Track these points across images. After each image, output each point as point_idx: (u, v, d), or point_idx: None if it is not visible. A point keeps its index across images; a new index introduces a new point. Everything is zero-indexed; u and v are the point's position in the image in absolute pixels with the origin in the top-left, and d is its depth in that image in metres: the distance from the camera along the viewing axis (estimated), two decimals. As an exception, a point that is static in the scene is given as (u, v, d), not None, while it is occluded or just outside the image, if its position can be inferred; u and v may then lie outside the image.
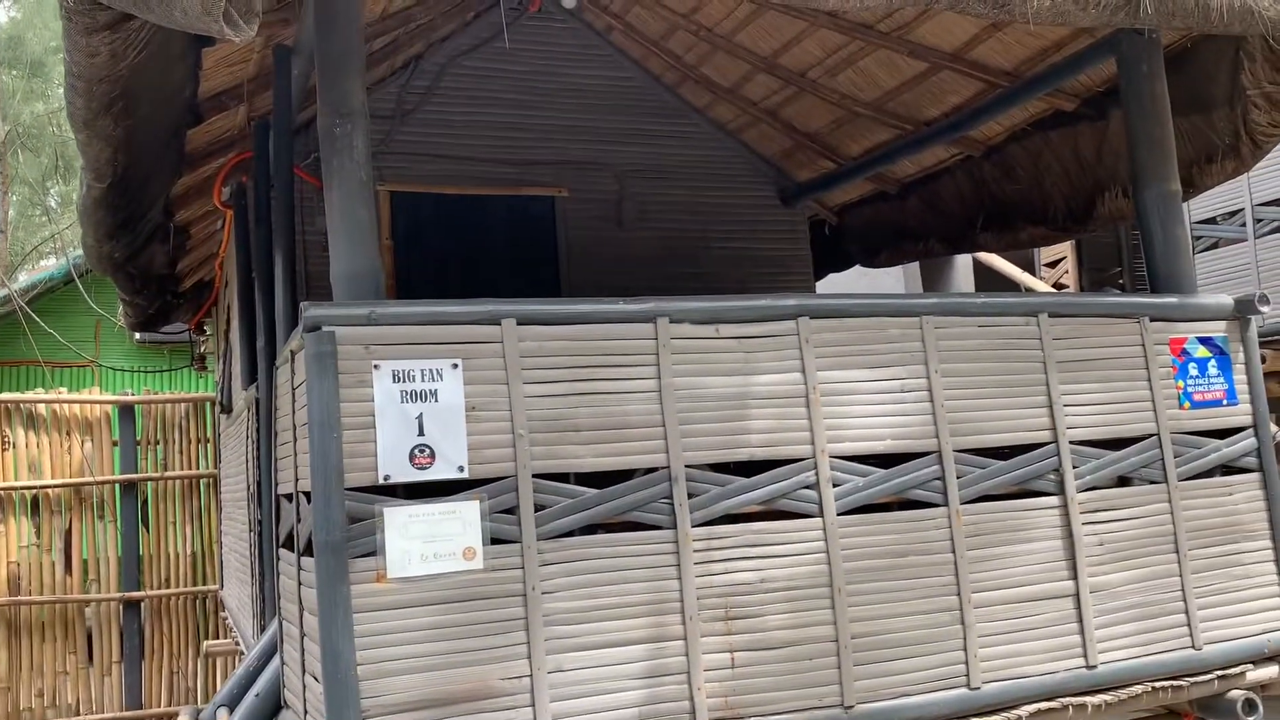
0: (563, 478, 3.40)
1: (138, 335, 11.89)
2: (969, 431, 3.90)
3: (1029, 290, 10.77)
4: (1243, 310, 4.42)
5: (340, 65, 3.56)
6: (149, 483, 9.31)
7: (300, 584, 3.51)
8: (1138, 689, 3.94)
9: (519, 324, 3.38)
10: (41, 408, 9.08)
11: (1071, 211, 6.01)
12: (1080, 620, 3.91)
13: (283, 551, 3.99)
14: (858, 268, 8.18)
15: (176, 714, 5.00)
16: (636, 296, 3.62)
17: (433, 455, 3.21)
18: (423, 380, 3.24)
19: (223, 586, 8.39)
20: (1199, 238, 9.90)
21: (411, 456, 3.19)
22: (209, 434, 9.46)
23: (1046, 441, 4.01)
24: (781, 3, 4.29)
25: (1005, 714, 3.72)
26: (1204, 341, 4.34)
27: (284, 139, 4.79)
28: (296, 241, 4.85)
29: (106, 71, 3.74)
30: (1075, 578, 3.94)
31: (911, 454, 3.81)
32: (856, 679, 3.57)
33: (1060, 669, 3.85)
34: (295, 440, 3.56)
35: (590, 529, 3.42)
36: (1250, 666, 4.15)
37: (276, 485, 4.14)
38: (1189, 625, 4.09)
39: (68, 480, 9.03)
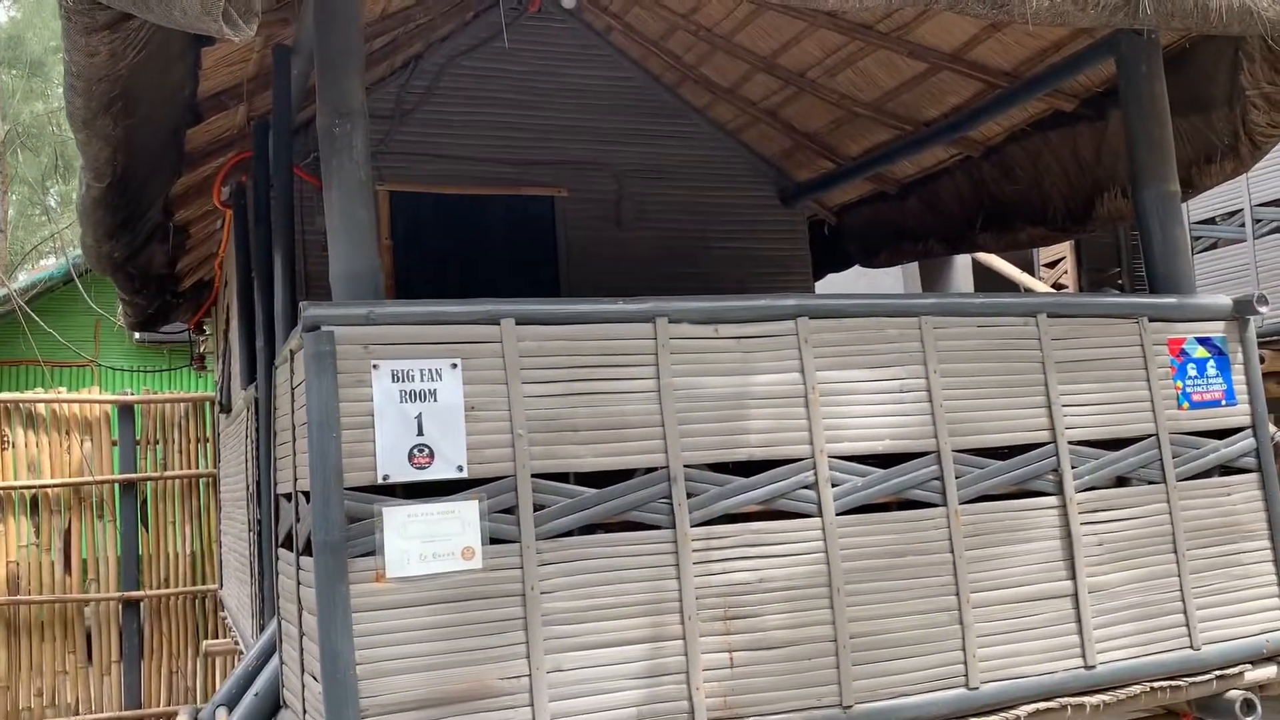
0: (562, 477, 3.40)
1: (137, 335, 11.89)
2: (968, 431, 3.90)
3: (1028, 290, 10.78)
4: (1241, 311, 4.42)
5: (339, 65, 3.56)
6: (148, 482, 9.32)
7: (299, 583, 3.51)
8: (1136, 689, 3.95)
9: (518, 324, 3.38)
10: (41, 407, 9.08)
11: (1070, 212, 6.01)
12: (1079, 620, 3.92)
13: (282, 551, 3.99)
14: (857, 268, 8.18)
15: (175, 713, 5.00)
16: (635, 296, 3.62)
17: (432, 455, 3.22)
18: (422, 380, 3.24)
19: (222, 586, 8.39)
20: (1198, 238, 9.90)
21: (410, 456, 3.19)
22: (208, 434, 9.47)
23: (1045, 442, 4.01)
24: (781, 3, 4.30)
25: (1003, 714, 3.72)
26: (1203, 342, 4.35)
27: (283, 139, 4.79)
28: (296, 241, 4.85)
29: (106, 71, 3.74)
30: (1074, 578, 3.94)
31: (910, 454, 3.82)
32: (855, 679, 3.57)
33: (1059, 669, 3.86)
34: (294, 440, 3.56)
35: (589, 529, 3.43)
36: (1249, 667, 4.16)
37: (275, 485, 4.14)
38: (1187, 625, 4.09)
39: (67, 480, 9.04)
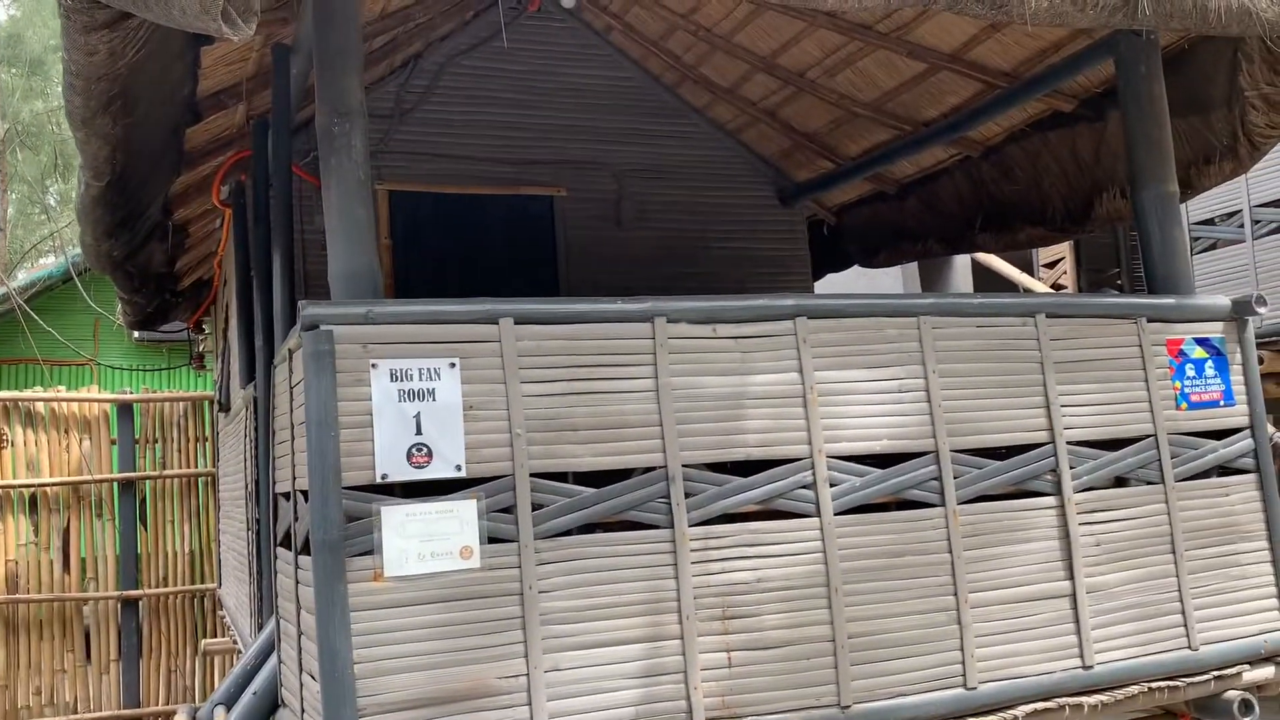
0: (560, 477, 3.40)
1: (136, 334, 11.89)
2: (966, 432, 3.90)
3: (1027, 291, 10.78)
4: (1240, 311, 4.43)
5: (339, 64, 3.56)
6: (147, 481, 9.32)
7: (298, 582, 3.51)
8: (1134, 689, 3.95)
9: (516, 323, 3.38)
10: (40, 406, 9.08)
11: (1070, 212, 6.02)
12: (1077, 620, 3.92)
13: (280, 550, 3.99)
14: (856, 268, 8.19)
15: (174, 712, 5.00)
16: (634, 296, 3.62)
17: (430, 454, 3.22)
18: (420, 379, 3.24)
19: (220, 585, 8.39)
20: (1197, 239, 9.91)
21: (409, 455, 3.19)
22: (207, 433, 9.47)
23: (1044, 442, 4.01)
24: (780, 3, 4.30)
25: (1002, 714, 3.72)
26: (1201, 342, 4.35)
27: (283, 138, 4.79)
28: (295, 240, 4.85)
29: (105, 70, 3.74)
30: (1072, 578, 3.94)
31: (909, 454, 3.82)
32: (853, 679, 3.57)
33: (1057, 669, 3.86)
34: (293, 439, 3.56)
35: (587, 528, 3.43)
36: (1246, 667, 4.16)
37: (274, 484, 4.14)
38: (1185, 626, 4.09)
39: (66, 479, 9.04)
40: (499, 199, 6.46)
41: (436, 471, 3.22)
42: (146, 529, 9.30)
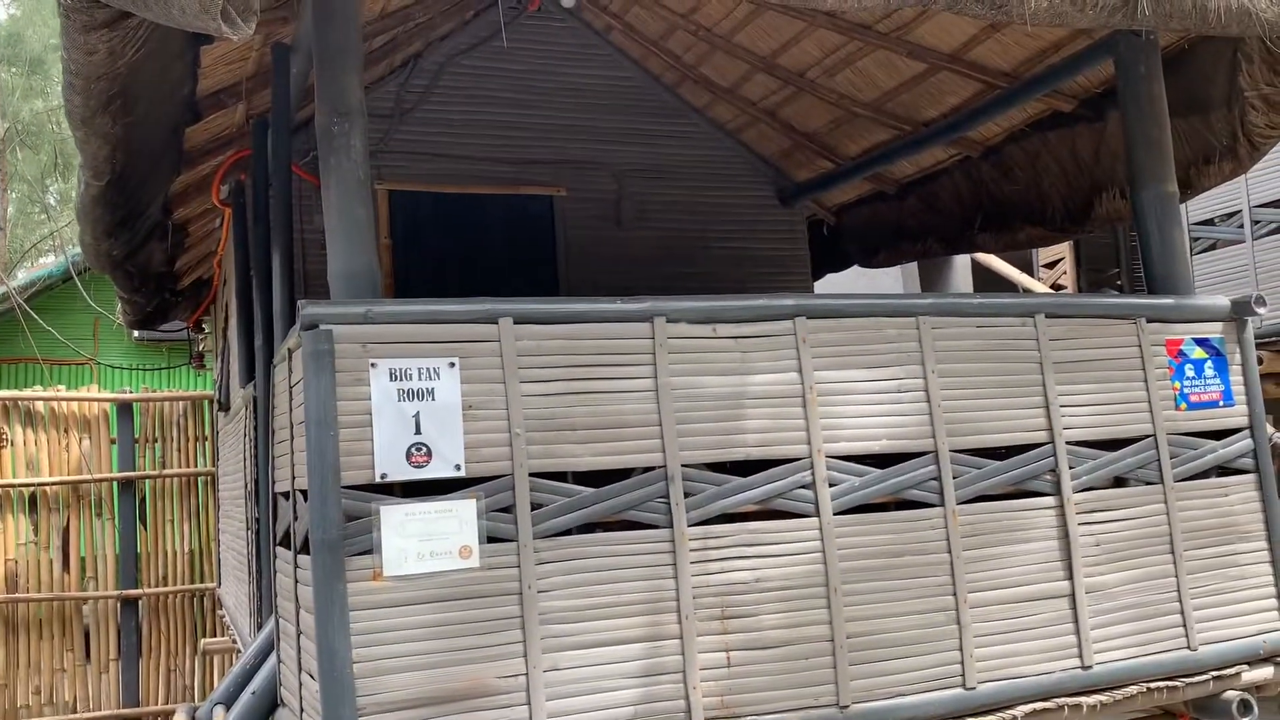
0: (559, 476, 3.40)
1: (136, 333, 11.89)
2: (965, 432, 3.90)
3: (1026, 291, 10.78)
4: (1239, 312, 4.43)
5: (338, 63, 3.56)
6: (147, 480, 9.32)
7: (297, 582, 3.51)
8: (1133, 689, 3.95)
9: (516, 323, 3.39)
10: (40, 405, 9.08)
11: (1069, 212, 6.02)
12: (1076, 620, 3.92)
13: (279, 549, 3.99)
14: (856, 268, 8.18)
15: (173, 712, 5.00)
16: (634, 296, 3.62)
17: (429, 454, 3.22)
18: (420, 379, 3.24)
19: (220, 584, 8.39)
20: (1197, 239, 9.91)
21: (408, 455, 3.20)
22: (207, 432, 9.46)
23: (1043, 442, 4.01)
24: (780, 3, 4.30)
25: (1000, 714, 3.73)
26: (1200, 343, 4.35)
27: (282, 137, 4.78)
28: (295, 240, 4.85)
29: (104, 69, 3.74)
30: (1071, 578, 3.94)
31: (908, 454, 3.82)
32: (852, 678, 3.57)
33: (1056, 669, 3.86)
34: (292, 438, 3.56)
35: (587, 528, 3.43)
36: (1245, 667, 4.16)
37: (274, 483, 4.14)
38: (1184, 626, 4.09)
39: (66, 478, 9.04)
40: (499, 199, 6.46)
41: (436, 471, 3.23)
42: (146, 528, 9.30)
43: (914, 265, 10.91)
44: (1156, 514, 4.15)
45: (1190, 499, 4.21)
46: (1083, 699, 3.85)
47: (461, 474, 3.25)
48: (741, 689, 3.45)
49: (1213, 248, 9.92)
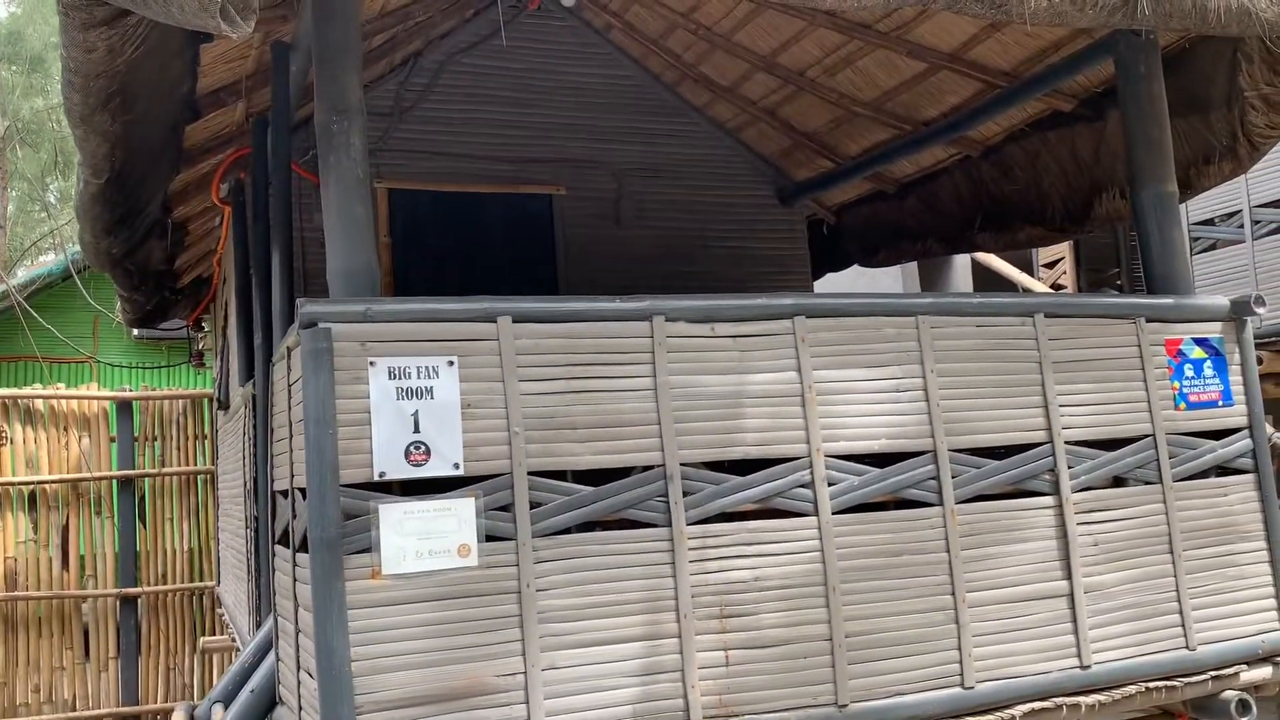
0: (558, 475, 3.40)
1: (136, 331, 11.89)
2: (964, 431, 3.90)
3: (1026, 290, 10.78)
4: (1239, 311, 4.43)
5: (338, 62, 3.56)
6: (146, 479, 9.32)
7: (295, 580, 3.51)
8: (1131, 689, 3.95)
9: (515, 322, 3.38)
10: (39, 403, 9.08)
11: (1069, 212, 6.02)
12: (1074, 620, 3.92)
13: (278, 548, 3.99)
14: (856, 267, 8.18)
15: (172, 710, 5.00)
16: (633, 295, 3.62)
17: (428, 452, 3.22)
18: (418, 377, 3.24)
19: (219, 583, 8.39)
20: (1197, 239, 9.90)
21: (407, 453, 3.19)
22: (206, 430, 9.47)
23: (1042, 441, 4.01)
24: (780, 2, 4.30)
25: (999, 713, 3.73)
26: (1200, 343, 4.35)
27: (282, 135, 4.78)
28: (294, 238, 4.85)
29: (104, 67, 3.74)
30: (1070, 578, 3.94)
31: (907, 453, 3.82)
32: (851, 678, 3.57)
33: (1054, 669, 3.86)
34: (291, 437, 3.56)
35: (585, 526, 3.43)
36: (1244, 667, 4.16)
37: (272, 481, 4.14)
38: (1183, 626, 4.09)
39: (65, 476, 9.04)
40: (498, 197, 6.46)
41: (434, 469, 3.22)
42: (145, 526, 9.30)
43: (914, 265, 10.91)
44: (1155, 514, 4.15)
45: (1189, 499, 4.21)
46: (1081, 699, 3.85)
47: (460, 473, 3.25)
48: (740, 688, 3.45)
49: (1213, 248, 9.91)
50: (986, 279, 11.37)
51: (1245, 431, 4.37)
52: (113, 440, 9.27)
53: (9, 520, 8.83)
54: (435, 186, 6.30)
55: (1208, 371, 4.34)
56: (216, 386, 8.07)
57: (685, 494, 3.48)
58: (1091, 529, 4.03)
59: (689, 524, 3.48)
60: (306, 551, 3.18)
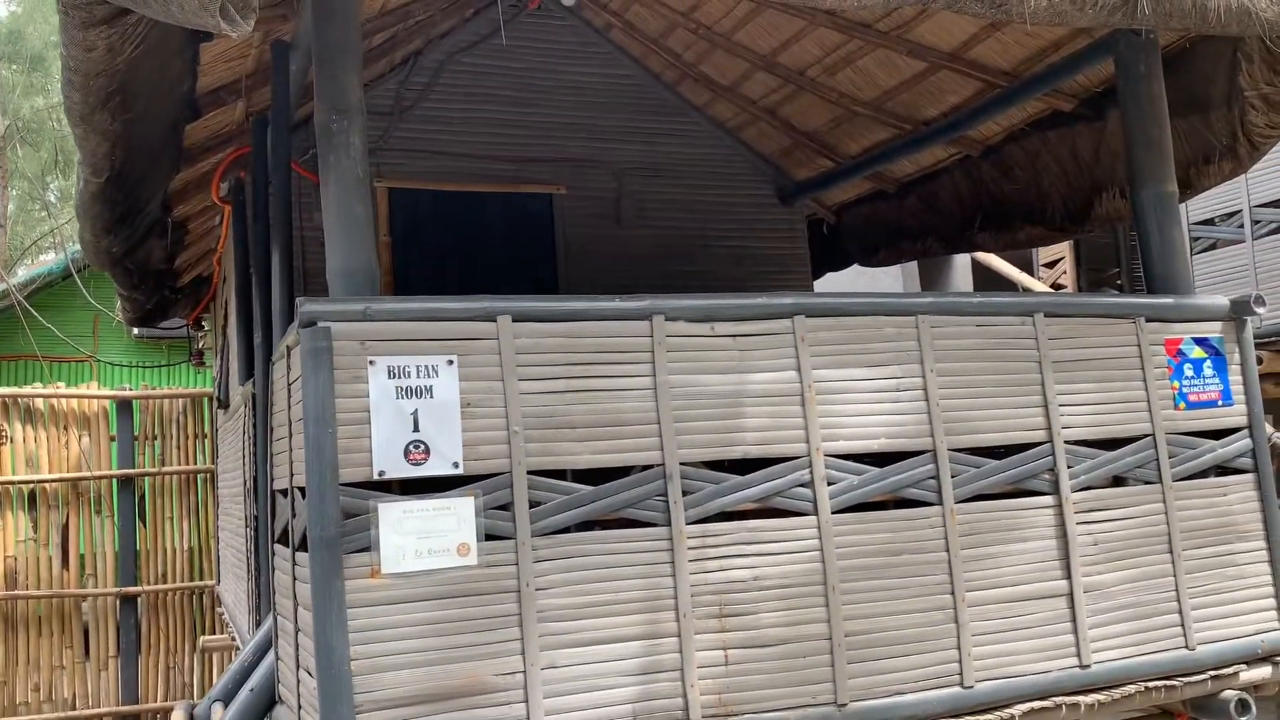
0: (558, 474, 3.40)
1: (136, 330, 11.89)
2: (964, 431, 3.90)
3: (1026, 290, 10.78)
4: (1239, 311, 4.42)
5: (338, 61, 3.56)
6: (146, 478, 9.32)
7: (295, 579, 3.51)
8: (1131, 689, 3.95)
9: (514, 321, 3.38)
10: (39, 402, 9.08)
11: (1069, 211, 6.02)
12: (1074, 620, 3.92)
13: (278, 547, 3.99)
14: (856, 267, 8.18)
15: (172, 709, 5.00)
16: (633, 294, 3.62)
17: (427, 451, 3.22)
18: (418, 376, 3.24)
19: (219, 582, 8.40)
20: (1197, 239, 9.90)
21: (406, 452, 3.19)
22: (206, 429, 9.47)
23: (1041, 441, 4.01)
24: (780, 1, 4.30)
25: (998, 713, 3.73)
26: (1199, 342, 4.35)
27: (282, 134, 4.78)
28: (294, 237, 4.85)
29: (103, 66, 3.74)
30: (1069, 577, 3.94)
31: (906, 453, 3.82)
32: (850, 677, 3.57)
33: (1053, 668, 3.86)
34: (290, 436, 3.56)
35: (585, 526, 3.43)
36: (1244, 667, 4.16)
37: (272, 481, 4.14)
38: (1183, 625, 4.09)
39: (65, 475, 9.04)
40: (498, 197, 6.46)
41: (434, 469, 3.23)
42: (145, 525, 9.30)
43: (914, 264, 10.90)
44: (1155, 513, 4.15)
45: (1188, 498, 4.21)
46: (1080, 698, 3.85)
47: (459, 472, 3.25)
48: (739, 687, 3.45)
49: (1213, 247, 9.91)
50: (987, 279, 11.36)
51: (1245, 431, 4.37)
52: (113, 439, 9.28)
53: (9, 519, 8.83)
54: (435, 186, 6.30)
55: (1207, 371, 4.34)
56: (216, 385, 8.08)
57: (685, 493, 3.48)
58: (1091, 528, 4.03)
59: (688, 523, 3.48)
60: (306, 550, 3.18)
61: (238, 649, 5.70)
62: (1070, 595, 3.93)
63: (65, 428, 9.10)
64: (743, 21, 5.97)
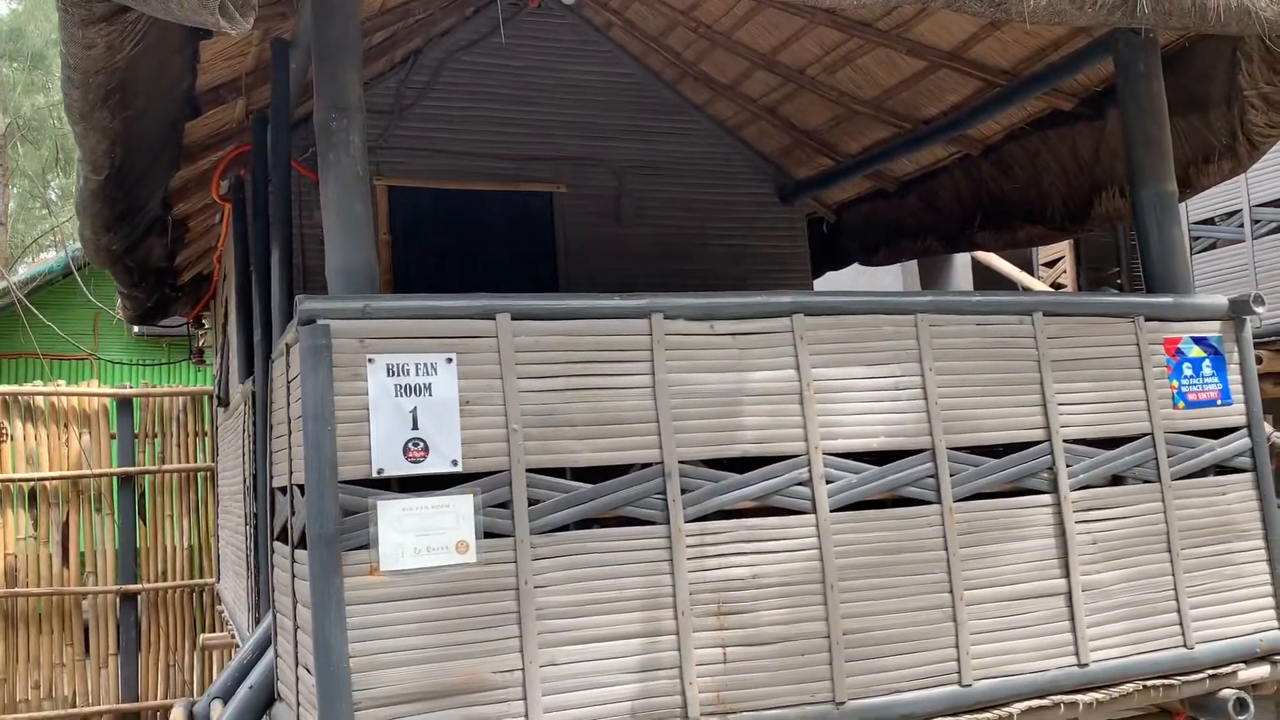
0: (557, 472, 3.41)
1: (136, 328, 11.89)
2: (963, 429, 3.91)
3: (1026, 289, 10.78)
4: (1238, 311, 4.43)
5: (337, 59, 3.56)
6: (146, 476, 9.33)
7: (294, 577, 3.52)
8: (1129, 687, 3.95)
9: (514, 319, 3.39)
10: (40, 400, 9.09)
11: (1069, 211, 6.02)
12: (1072, 618, 3.92)
13: (277, 544, 4.00)
14: (856, 265, 8.19)
15: (171, 706, 5.01)
16: (632, 292, 3.62)
17: (426, 449, 3.22)
18: (417, 374, 3.25)
19: (219, 579, 8.40)
20: (1197, 238, 9.89)
21: (405, 450, 3.20)
22: (206, 427, 9.48)
23: (1040, 440, 4.01)
24: None
25: (996, 711, 3.73)
26: (1199, 341, 4.35)
27: (282, 133, 4.78)
28: (294, 235, 4.85)
29: (103, 64, 3.74)
30: (1068, 576, 3.95)
31: (905, 451, 3.82)
32: (848, 675, 3.58)
33: (1052, 667, 3.86)
34: (290, 433, 3.57)
35: (584, 523, 3.43)
36: (1242, 666, 4.16)
37: (272, 478, 4.14)
38: (1181, 624, 4.09)
39: (65, 473, 9.05)
40: (498, 195, 6.46)
41: (432, 466, 3.23)
42: (145, 523, 9.31)
43: (914, 263, 10.90)
44: (1153, 512, 4.15)
45: (1187, 497, 4.22)
46: (1079, 696, 3.85)
47: (458, 469, 3.26)
48: (738, 685, 3.46)
49: (1213, 247, 9.90)
50: (986, 278, 11.36)
51: (1244, 430, 4.37)
52: (113, 437, 9.28)
53: (9, 517, 8.84)
54: (435, 184, 6.30)
55: (1206, 370, 4.34)
56: (216, 383, 8.08)
57: (684, 491, 3.49)
58: (1090, 527, 4.03)
59: (687, 521, 3.48)
60: (305, 548, 3.18)
61: (237, 646, 5.71)
62: (1069, 594, 3.94)
63: (66, 425, 9.11)
64: (743, 20, 5.98)
